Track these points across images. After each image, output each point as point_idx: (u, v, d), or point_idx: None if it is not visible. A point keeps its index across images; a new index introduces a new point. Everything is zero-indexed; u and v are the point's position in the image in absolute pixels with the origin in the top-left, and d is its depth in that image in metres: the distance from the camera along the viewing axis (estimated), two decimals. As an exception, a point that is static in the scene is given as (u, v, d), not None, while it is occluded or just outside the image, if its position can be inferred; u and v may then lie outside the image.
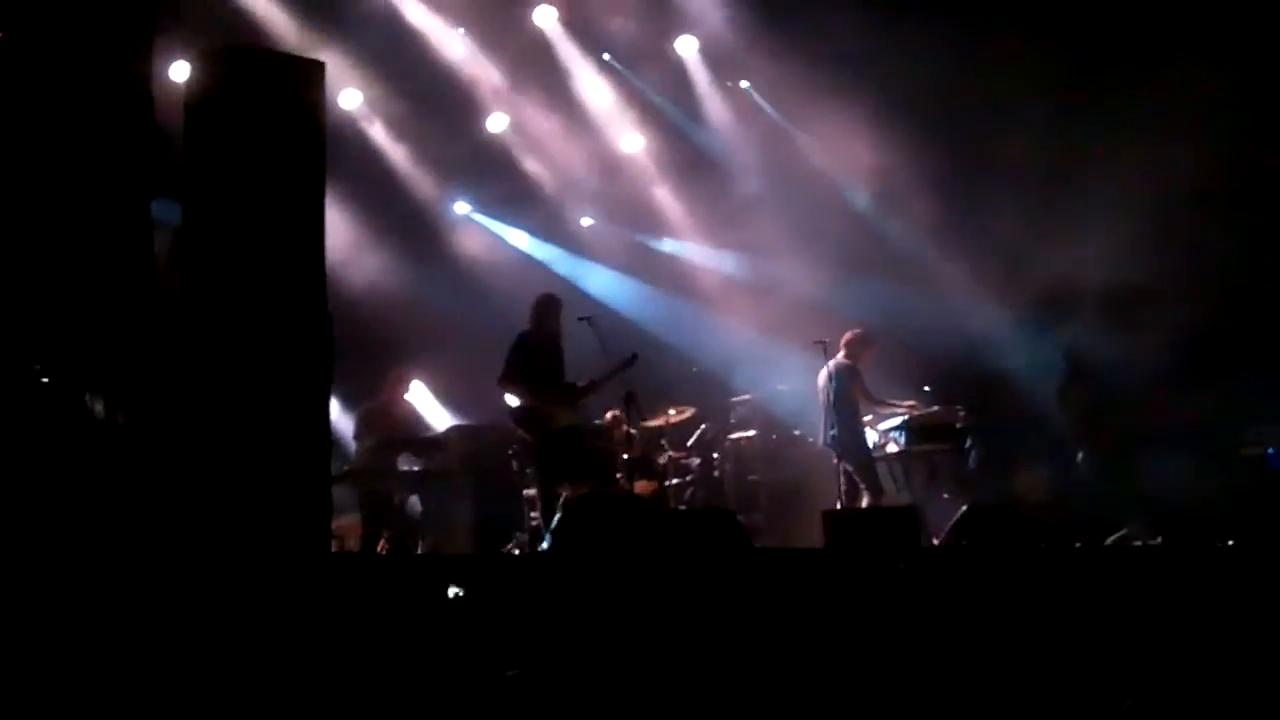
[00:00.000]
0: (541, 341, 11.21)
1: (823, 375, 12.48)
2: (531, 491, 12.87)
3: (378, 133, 15.14)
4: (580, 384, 11.30)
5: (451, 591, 4.77)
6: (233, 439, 7.02)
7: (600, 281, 16.62)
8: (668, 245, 16.89)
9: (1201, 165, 12.02)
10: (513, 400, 11.22)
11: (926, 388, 13.31)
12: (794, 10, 13.96)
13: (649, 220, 16.69)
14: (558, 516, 9.58)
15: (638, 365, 11.33)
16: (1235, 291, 12.62)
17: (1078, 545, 11.89)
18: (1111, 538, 12.08)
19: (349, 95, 14.62)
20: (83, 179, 7.32)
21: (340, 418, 11.72)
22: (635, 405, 11.22)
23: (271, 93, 7.45)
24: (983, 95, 13.35)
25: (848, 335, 12.71)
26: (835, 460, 12.51)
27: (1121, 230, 12.18)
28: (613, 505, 9.22)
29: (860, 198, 15.53)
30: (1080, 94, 13.28)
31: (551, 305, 11.44)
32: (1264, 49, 12.37)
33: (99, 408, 7.07)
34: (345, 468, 11.66)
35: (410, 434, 12.47)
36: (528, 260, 16.56)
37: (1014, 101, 13.10)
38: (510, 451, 12.53)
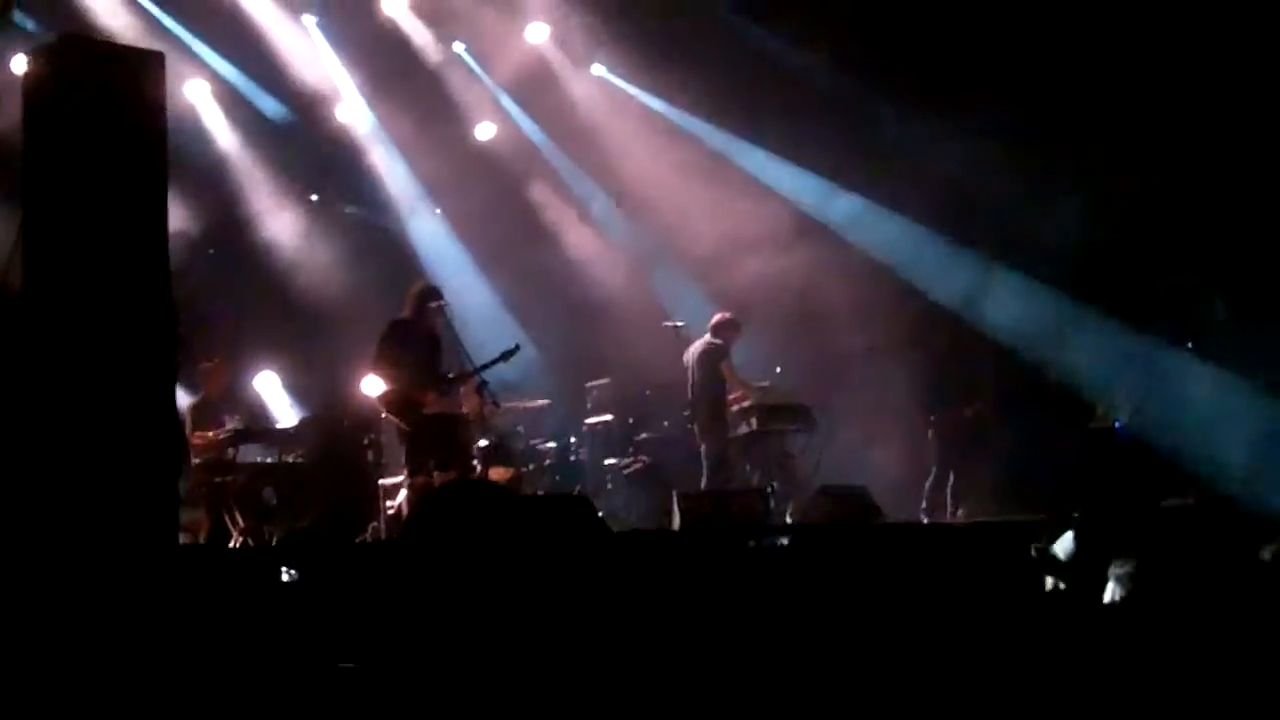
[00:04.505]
0: (417, 329, 10.90)
1: (689, 355, 12.62)
2: (386, 481, 12.85)
3: (220, 126, 14.98)
4: (451, 374, 11.06)
5: (285, 576, 4.77)
6: (78, 436, 6.96)
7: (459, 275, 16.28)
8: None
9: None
10: (381, 386, 10.85)
11: (779, 369, 13.51)
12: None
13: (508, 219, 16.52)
14: (418, 505, 9.50)
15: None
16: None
17: (925, 522, 12.21)
18: (960, 513, 12.44)
19: (194, 86, 14.49)
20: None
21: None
22: (489, 392, 11.14)
23: (110, 85, 7.36)
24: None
25: (716, 318, 12.78)
26: (696, 441, 12.66)
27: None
28: (473, 493, 9.19)
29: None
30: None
31: (429, 295, 11.07)
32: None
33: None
34: (195, 462, 11.58)
35: (253, 424, 12.44)
36: (383, 254, 16.28)
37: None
38: (365, 441, 12.49)
